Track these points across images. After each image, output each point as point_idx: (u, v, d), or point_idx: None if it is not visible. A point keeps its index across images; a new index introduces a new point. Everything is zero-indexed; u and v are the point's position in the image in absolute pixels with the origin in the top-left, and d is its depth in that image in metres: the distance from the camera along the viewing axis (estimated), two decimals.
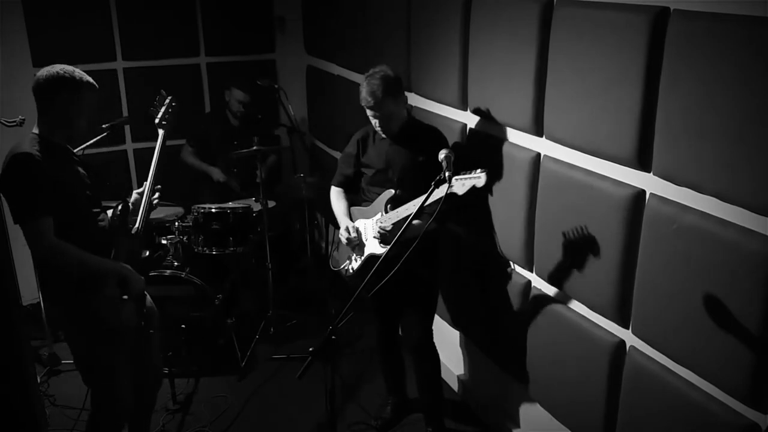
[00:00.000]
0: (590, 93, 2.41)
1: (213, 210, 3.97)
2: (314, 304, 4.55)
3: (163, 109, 2.96)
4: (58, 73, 2.50)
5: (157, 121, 2.93)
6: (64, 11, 4.61)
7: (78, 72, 2.54)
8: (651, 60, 2.15)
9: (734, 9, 1.91)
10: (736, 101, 1.91)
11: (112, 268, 2.59)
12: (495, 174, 2.88)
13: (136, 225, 2.73)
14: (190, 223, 3.98)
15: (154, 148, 2.87)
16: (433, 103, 3.46)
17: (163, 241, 3.93)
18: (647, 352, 2.38)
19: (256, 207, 4.16)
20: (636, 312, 2.39)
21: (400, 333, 3.42)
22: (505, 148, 2.92)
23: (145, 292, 2.78)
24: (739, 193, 1.95)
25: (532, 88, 2.69)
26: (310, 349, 2.16)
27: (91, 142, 3.56)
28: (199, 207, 3.98)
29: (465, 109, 3.20)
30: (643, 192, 2.31)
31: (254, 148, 4.05)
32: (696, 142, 2.04)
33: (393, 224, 2.92)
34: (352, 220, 3.18)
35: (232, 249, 3.98)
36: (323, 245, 5.28)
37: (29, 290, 3.92)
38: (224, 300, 3.96)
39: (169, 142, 4.91)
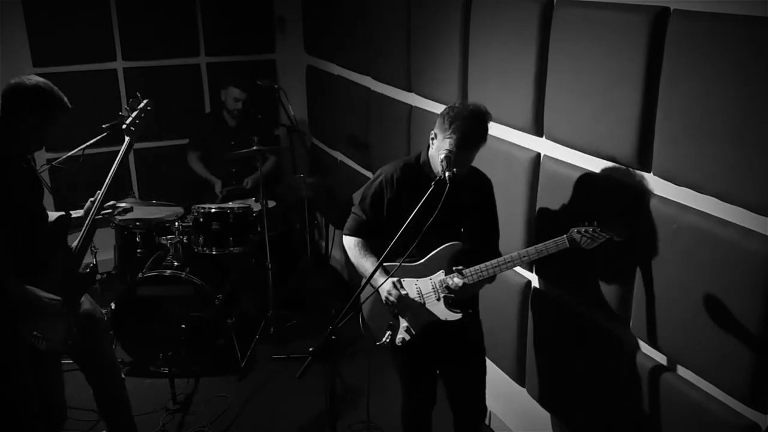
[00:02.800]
0: (590, 93, 2.41)
1: (213, 210, 3.98)
2: (314, 304, 4.55)
3: (134, 114, 2.70)
4: (38, 85, 2.35)
5: (124, 126, 2.67)
6: (64, 11, 4.62)
7: (56, 90, 2.39)
8: (651, 60, 2.16)
9: (734, 9, 1.92)
10: (736, 101, 1.91)
11: (19, 294, 2.38)
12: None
13: (75, 242, 2.56)
14: (190, 223, 3.99)
15: (119, 152, 2.66)
16: (433, 103, 3.46)
17: (163, 241, 3.93)
18: (647, 352, 2.38)
19: (256, 207, 4.16)
20: (636, 312, 2.39)
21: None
22: (506, 148, 2.92)
23: (83, 299, 2.70)
24: (739, 193, 1.95)
25: (532, 88, 2.69)
26: (310, 349, 2.15)
27: (91, 142, 3.54)
28: (199, 207, 3.99)
29: None
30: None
31: (254, 148, 4.05)
32: (696, 142, 2.04)
33: (464, 284, 2.46)
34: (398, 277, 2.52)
35: (232, 249, 3.99)
36: (323, 245, 5.28)
37: None
38: (224, 300, 3.96)
39: (173, 142, 4.98)
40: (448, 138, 2.36)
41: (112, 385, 2.97)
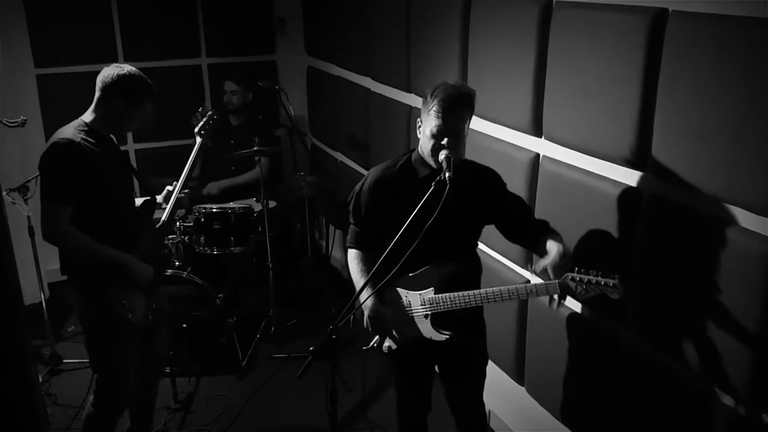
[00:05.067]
0: (589, 94, 2.42)
1: (214, 210, 3.99)
2: (314, 304, 4.56)
3: (203, 120, 3.18)
4: (130, 73, 2.61)
5: (196, 130, 3.16)
6: (65, 11, 4.63)
7: (147, 79, 2.65)
8: (650, 61, 2.16)
9: (733, 10, 1.92)
10: (734, 102, 1.92)
11: (118, 258, 2.63)
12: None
13: (162, 218, 2.86)
14: (192, 223, 4.00)
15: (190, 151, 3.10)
16: None
17: (165, 241, 3.94)
18: (646, 351, 2.39)
19: (257, 207, 4.17)
20: (635, 311, 2.39)
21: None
22: (505, 148, 2.93)
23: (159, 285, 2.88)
24: (739, 193, 1.96)
25: (531, 89, 2.70)
26: (311, 348, 2.16)
27: None
28: (200, 207, 4.00)
29: None
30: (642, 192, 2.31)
31: (255, 148, 4.06)
32: (694, 142, 2.05)
33: (446, 309, 2.39)
34: (391, 285, 2.42)
35: (233, 249, 4.00)
36: (324, 245, 5.29)
37: (31, 290, 3.94)
38: (225, 299, 3.97)
39: (179, 142, 5.01)
40: (432, 108, 2.22)
41: (153, 377, 3.09)
